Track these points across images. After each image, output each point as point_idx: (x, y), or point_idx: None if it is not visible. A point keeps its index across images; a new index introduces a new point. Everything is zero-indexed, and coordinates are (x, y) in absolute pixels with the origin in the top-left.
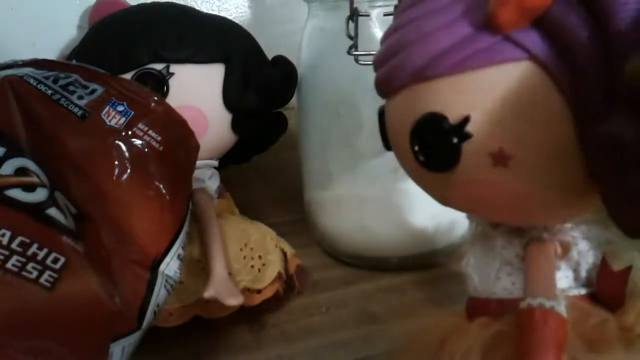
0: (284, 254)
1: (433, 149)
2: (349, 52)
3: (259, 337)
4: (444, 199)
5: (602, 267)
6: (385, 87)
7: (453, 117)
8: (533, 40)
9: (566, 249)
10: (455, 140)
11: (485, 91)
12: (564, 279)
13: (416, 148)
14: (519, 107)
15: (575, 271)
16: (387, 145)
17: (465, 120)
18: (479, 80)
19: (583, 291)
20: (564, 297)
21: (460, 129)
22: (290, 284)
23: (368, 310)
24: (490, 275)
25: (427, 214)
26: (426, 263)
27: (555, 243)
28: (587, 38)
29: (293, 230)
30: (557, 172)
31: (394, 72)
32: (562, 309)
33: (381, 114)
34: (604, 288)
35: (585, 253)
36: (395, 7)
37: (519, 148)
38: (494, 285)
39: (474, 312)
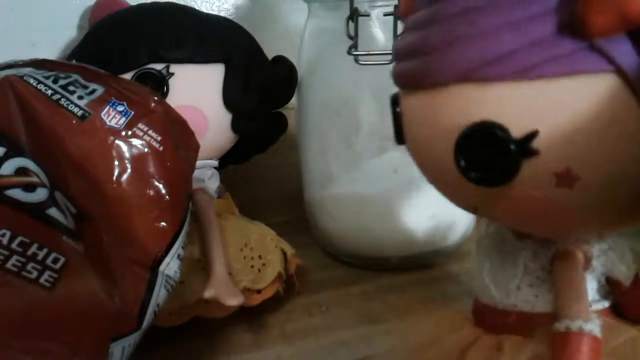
0: (284, 254)
1: (486, 163)
2: (349, 52)
3: (258, 337)
4: (476, 210)
5: (634, 282)
6: (417, 80)
7: (516, 129)
8: (625, 52)
9: (589, 258)
10: (516, 155)
11: (558, 104)
12: (589, 291)
13: (462, 161)
14: (597, 125)
15: (599, 282)
16: (401, 139)
17: (532, 135)
18: (551, 91)
19: (607, 303)
20: (597, 315)
21: (524, 144)
22: (290, 284)
23: (368, 310)
24: (510, 285)
25: (427, 214)
26: (426, 263)
27: (581, 253)
28: None
29: (293, 230)
30: (625, 192)
31: (436, 65)
32: (598, 330)
33: (395, 102)
34: (633, 302)
35: (607, 264)
36: None
37: (590, 169)
38: (515, 296)
39: (489, 322)
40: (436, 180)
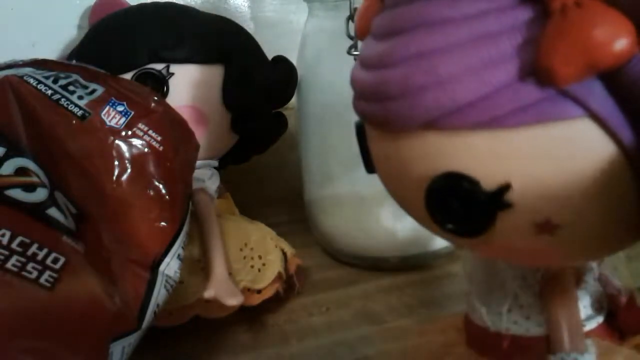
0: (284, 254)
1: (458, 215)
2: (349, 52)
3: (258, 337)
4: (463, 247)
5: (629, 302)
6: (378, 124)
7: (487, 181)
8: (599, 98)
9: (581, 276)
10: (489, 209)
11: (530, 153)
12: (582, 309)
13: (434, 212)
14: (573, 172)
15: (592, 296)
16: (370, 169)
17: (505, 187)
18: (521, 140)
19: (601, 318)
20: (592, 342)
21: (497, 197)
22: (290, 284)
23: (368, 310)
24: (501, 309)
25: None
26: (426, 263)
27: (572, 273)
28: None
29: (293, 230)
30: (610, 233)
31: (396, 115)
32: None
33: (360, 130)
34: (628, 320)
35: (600, 278)
36: (377, 18)
37: (571, 217)
38: (506, 319)
39: (482, 344)
40: (412, 216)
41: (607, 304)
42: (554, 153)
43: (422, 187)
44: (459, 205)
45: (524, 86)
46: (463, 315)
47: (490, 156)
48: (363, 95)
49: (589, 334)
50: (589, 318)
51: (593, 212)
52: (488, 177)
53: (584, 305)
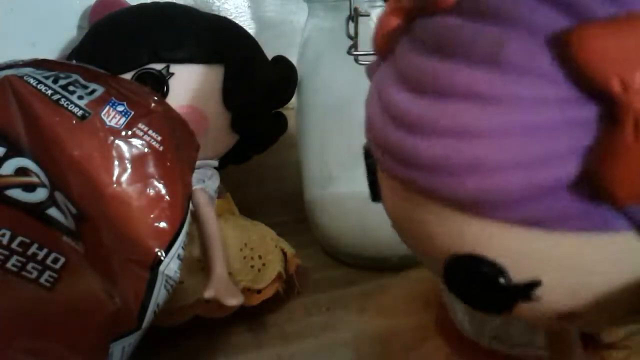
0: (284, 254)
1: (476, 296)
2: (349, 52)
3: (258, 337)
4: None
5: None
6: (398, 179)
7: (515, 274)
8: None
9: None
10: (512, 300)
11: (566, 257)
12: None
13: (452, 287)
14: (607, 280)
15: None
16: (376, 197)
17: (534, 284)
18: (559, 244)
19: None
20: None
21: (523, 291)
22: (290, 284)
23: (368, 310)
24: (484, 328)
25: None
26: None
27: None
28: None
29: (293, 230)
30: (630, 316)
31: (423, 183)
32: None
33: (368, 155)
34: None
35: None
36: (401, 44)
37: (594, 311)
38: (489, 339)
39: (459, 345)
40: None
41: None
42: (591, 260)
43: (442, 258)
44: (479, 288)
45: (574, 194)
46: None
47: (524, 252)
48: (387, 151)
49: None
50: None
51: (617, 307)
52: (517, 270)
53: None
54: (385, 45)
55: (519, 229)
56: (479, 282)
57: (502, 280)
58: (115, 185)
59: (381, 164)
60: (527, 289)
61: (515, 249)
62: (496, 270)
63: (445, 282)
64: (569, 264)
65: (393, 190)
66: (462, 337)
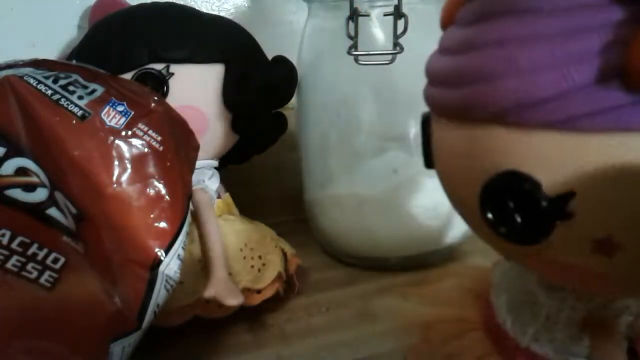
0: (284, 254)
1: (513, 218)
2: (349, 52)
3: (258, 337)
4: (513, 259)
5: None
6: (446, 112)
7: (550, 186)
8: None
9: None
10: (549, 217)
11: (601, 162)
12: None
13: (489, 213)
14: None
15: (630, 340)
16: (429, 163)
17: (569, 195)
18: (594, 147)
19: None
20: None
21: (559, 204)
22: (290, 284)
23: (368, 310)
24: (527, 330)
25: (427, 214)
26: (426, 263)
27: (620, 322)
28: None
29: (293, 230)
30: None
31: (466, 101)
32: None
33: (425, 122)
34: None
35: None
36: (464, 6)
37: (634, 239)
38: (529, 342)
39: (499, 341)
40: (465, 219)
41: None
42: (627, 165)
43: (480, 184)
44: (516, 207)
45: (607, 88)
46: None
47: (558, 159)
48: (436, 80)
49: None
50: None
51: None
52: (552, 182)
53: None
54: (447, 18)
55: (554, 135)
56: (515, 200)
57: (537, 193)
58: (115, 185)
59: (434, 103)
60: (563, 202)
61: (550, 158)
62: (531, 183)
63: (483, 211)
64: (604, 170)
65: (439, 131)
66: (503, 336)
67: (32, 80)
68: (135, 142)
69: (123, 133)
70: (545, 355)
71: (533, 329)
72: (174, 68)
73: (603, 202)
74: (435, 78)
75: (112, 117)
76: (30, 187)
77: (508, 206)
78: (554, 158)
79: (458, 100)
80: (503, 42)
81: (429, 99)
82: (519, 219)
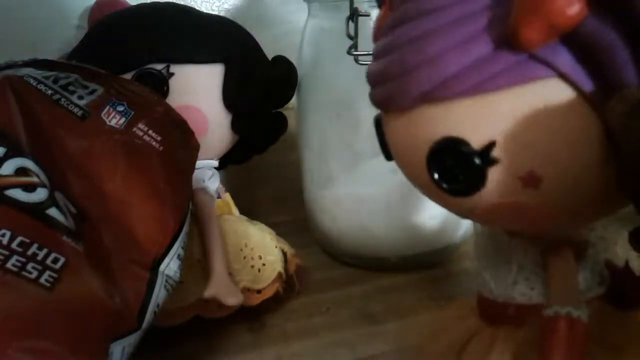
0: (284, 254)
1: (455, 175)
2: (349, 52)
3: (258, 337)
4: (464, 215)
5: (625, 269)
6: (386, 106)
7: (475, 141)
8: (562, 58)
9: (583, 249)
10: (479, 166)
11: (510, 113)
12: (582, 281)
13: (435, 175)
14: (550, 127)
15: (593, 270)
16: (388, 156)
17: (490, 145)
18: (501, 102)
19: (600, 291)
20: (585, 303)
21: (485, 154)
22: (290, 284)
23: (368, 310)
24: (507, 280)
25: (427, 214)
26: (426, 263)
27: (571, 247)
28: (626, 56)
29: (293, 230)
30: (589, 187)
31: (396, 93)
32: (585, 316)
33: (378, 123)
34: (623, 288)
35: (600, 252)
36: (384, 21)
37: (551, 169)
38: (512, 290)
39: (491, 314)
40: (422, 191)
41: (608, 282)
42: (529, 111)
43: (424, 155)
44: (454, 164)
45: (499, 54)
46: (470, 301)
47: (476, 119)
48: (373, 82)
49: (587, 302)
50: (588, 288)
51: (570, 163)
52: (476, 138)
53: (584, 278)
54: (377, 31)
55: (469, 101)
56: (452, 159)
57: (467, 150)
58: (115, 185)
59: (375, 102)
60: (487, 151)
61: (470, 120)
62: (461, 143)
63: (430, 173)
64: (512, 119)
65: (386, 124)
66: (492, 306)
67: (32, 80)
68: (135, 142)
69: (123, 133)
70: (529, 301)
71: (511, 281)
72: (174, 68)
73: (518, 145)
74: (371, 80)
75: (112, 117)
76: (30, 187)
77: (447, 165)
78: (473, 119)
79: (389, 94)
80: (414, 39)
81: (371, 99)
82: (458, 174)
